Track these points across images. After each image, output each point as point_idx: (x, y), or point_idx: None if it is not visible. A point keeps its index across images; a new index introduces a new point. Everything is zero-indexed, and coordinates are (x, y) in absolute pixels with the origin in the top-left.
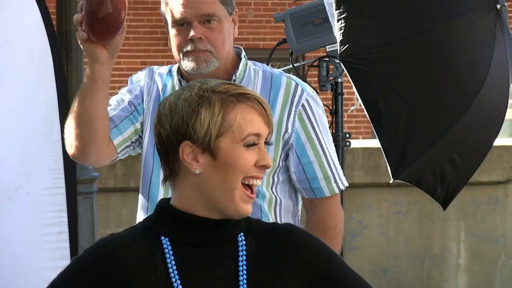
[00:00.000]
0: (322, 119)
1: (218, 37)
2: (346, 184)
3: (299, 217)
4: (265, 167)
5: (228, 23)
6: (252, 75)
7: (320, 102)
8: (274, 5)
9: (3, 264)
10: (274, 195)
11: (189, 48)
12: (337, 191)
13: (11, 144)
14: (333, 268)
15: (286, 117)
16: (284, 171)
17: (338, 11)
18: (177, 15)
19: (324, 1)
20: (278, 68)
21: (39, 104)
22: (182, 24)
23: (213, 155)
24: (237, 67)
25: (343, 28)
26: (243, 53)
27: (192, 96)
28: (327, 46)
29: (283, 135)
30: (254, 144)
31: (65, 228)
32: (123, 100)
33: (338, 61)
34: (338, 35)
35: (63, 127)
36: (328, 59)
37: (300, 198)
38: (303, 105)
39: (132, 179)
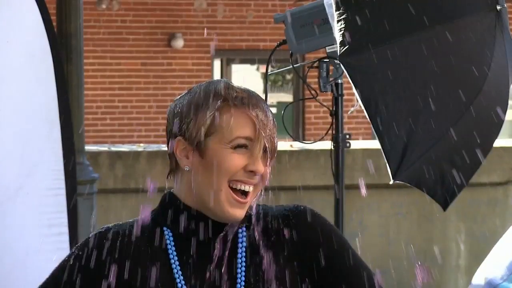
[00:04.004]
0: None
1: None
2: None
3: None
4: (254, 172)
5: None
6: None
7: None
8: (274, 6)
9: (3, 264)
10: None
11: None
12: None
13: (11, 144)
14: (339, 255)
15: None
16: None
17: (338, 12)
18: None
19: (324, 2)
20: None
21: (39, 105)
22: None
23: (201, 154)
24: None
25: (343, 29)
26: None
27: (195, 97)
28: (327, 47)
29: None
30: (241, 146)
31: (65, 229)
32: None
33: (338, 62)
34: (338, 36)
35: (63, 127)
36: (328, 60)
37: None
38: None
39: (132, 180)
